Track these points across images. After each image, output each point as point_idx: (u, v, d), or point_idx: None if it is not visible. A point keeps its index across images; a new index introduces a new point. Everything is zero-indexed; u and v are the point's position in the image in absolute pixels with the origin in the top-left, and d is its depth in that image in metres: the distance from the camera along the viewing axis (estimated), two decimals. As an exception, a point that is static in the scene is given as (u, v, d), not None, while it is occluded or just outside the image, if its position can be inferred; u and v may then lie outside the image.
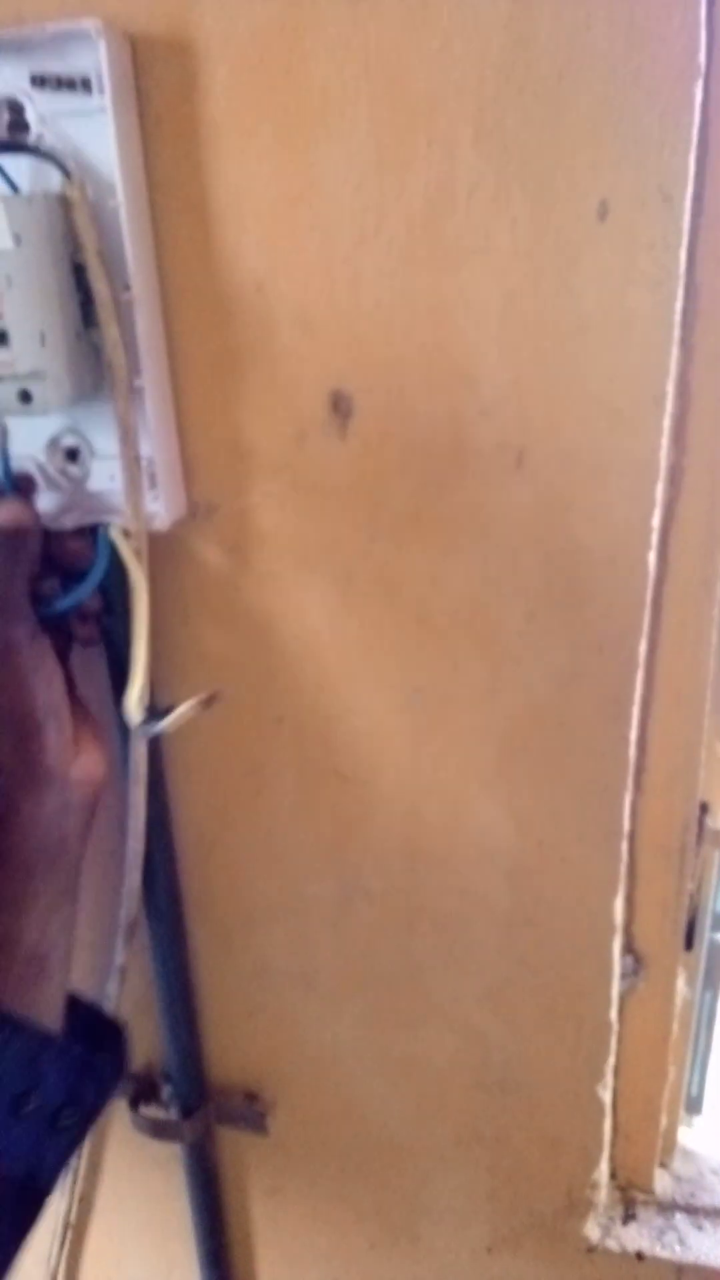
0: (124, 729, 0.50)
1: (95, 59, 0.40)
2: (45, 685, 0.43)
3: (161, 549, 0.48)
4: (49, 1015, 0.44)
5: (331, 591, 0.48)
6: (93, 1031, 0.47)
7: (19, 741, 0.43)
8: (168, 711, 0.45)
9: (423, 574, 0.47)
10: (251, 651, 0.51)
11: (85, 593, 0.44)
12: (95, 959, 0.57)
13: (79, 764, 0.44)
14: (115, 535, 0.45)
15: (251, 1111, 0.63)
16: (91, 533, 0.46)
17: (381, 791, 0.52)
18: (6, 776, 0.43)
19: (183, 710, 0.44)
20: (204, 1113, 0.62)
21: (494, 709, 0.48)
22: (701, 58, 0.37)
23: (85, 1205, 0.70)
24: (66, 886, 0.45)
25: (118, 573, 0.46)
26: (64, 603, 0.44)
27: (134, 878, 0.53)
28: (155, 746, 0.52)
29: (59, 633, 0.45)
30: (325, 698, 0.51)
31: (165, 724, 0.44)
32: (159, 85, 0.42)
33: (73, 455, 0.46)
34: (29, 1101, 0.42)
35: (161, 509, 0.46)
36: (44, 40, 0.40)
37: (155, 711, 0.45)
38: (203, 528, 0.49)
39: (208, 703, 0.45)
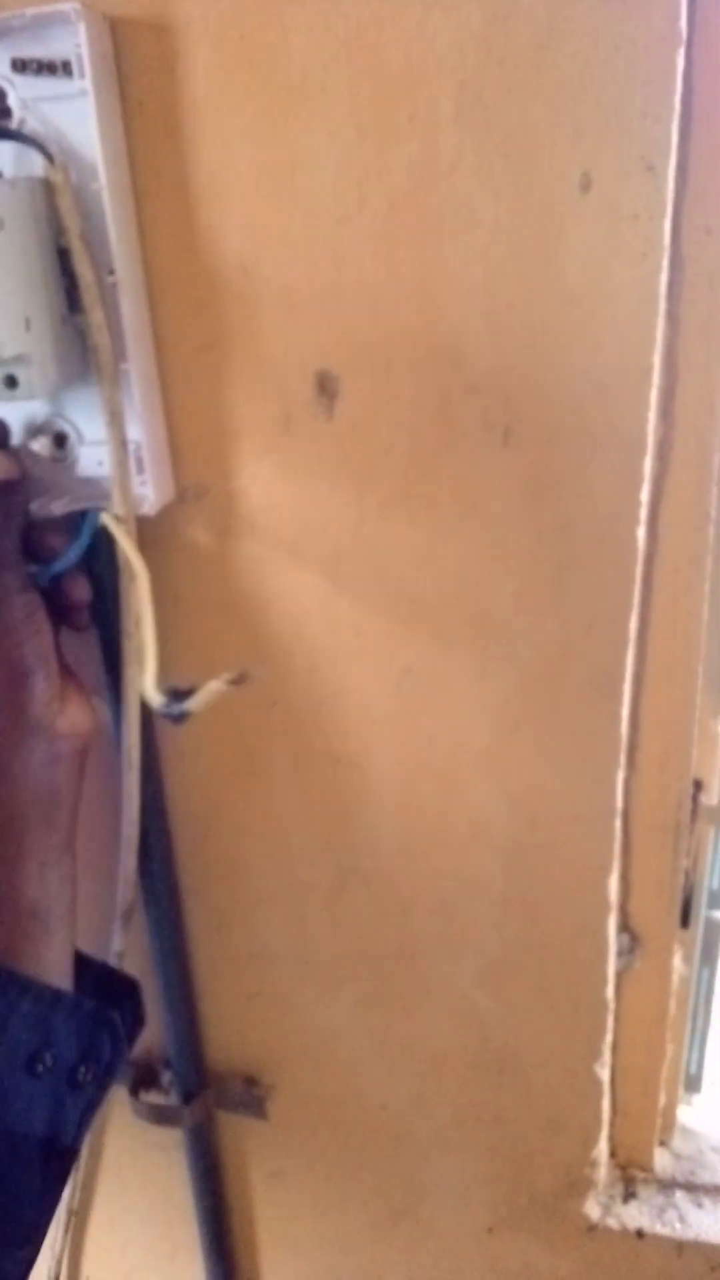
0: (115, 717, 0.50)
1: (75, 42, 0.40)
2: (34, 635, 0.43)
3: (150, 533, 0.48)
4: (56, 973, 0.44)
5: (321, 572, 0.48)
6: (106, 989, 0.47)
7: (8, 690, 0.43)
8: (189, 692, 0.43)
9: (411, 553, 0.47)
10: (242, 634, 0.51)
11: (73, 557, 0.44)
12: (92, 944, 0.57)
13: (65, 716, 0.44)
14: (109, 521, 0.45)
15: (251, 1096, 0.63)
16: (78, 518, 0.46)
17: (374, 773, 0.52)
18: None
19: (211, 688, 0.41)
20: (204, 1098, 0.63)
21: (485, 688, 0.48)
22: (683, 25, 0.37)
23: (88, 1191, 0.71)
24: (61, 841, 0.45)
25: (110, 557, 0.46)
26: (54, 568, 0.45)
27: (129, 862, 0.53)
28: (149, 731, 0.52)
29: (49, 608, 0.45)
30: (317, 680, 0.51)
31: (193, 704, 0.41)
32: (140, 67, 0.42)
33: (60, 441, 0.47)
34: (44, 1060, 0.42)
35: (150, 493, 0.46)
36: (24, 24, 0.40)
37: (177, 693, 0.43)
38: (191, 511, 0.49)
39: (237, 681, 0.41)
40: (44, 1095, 0.42)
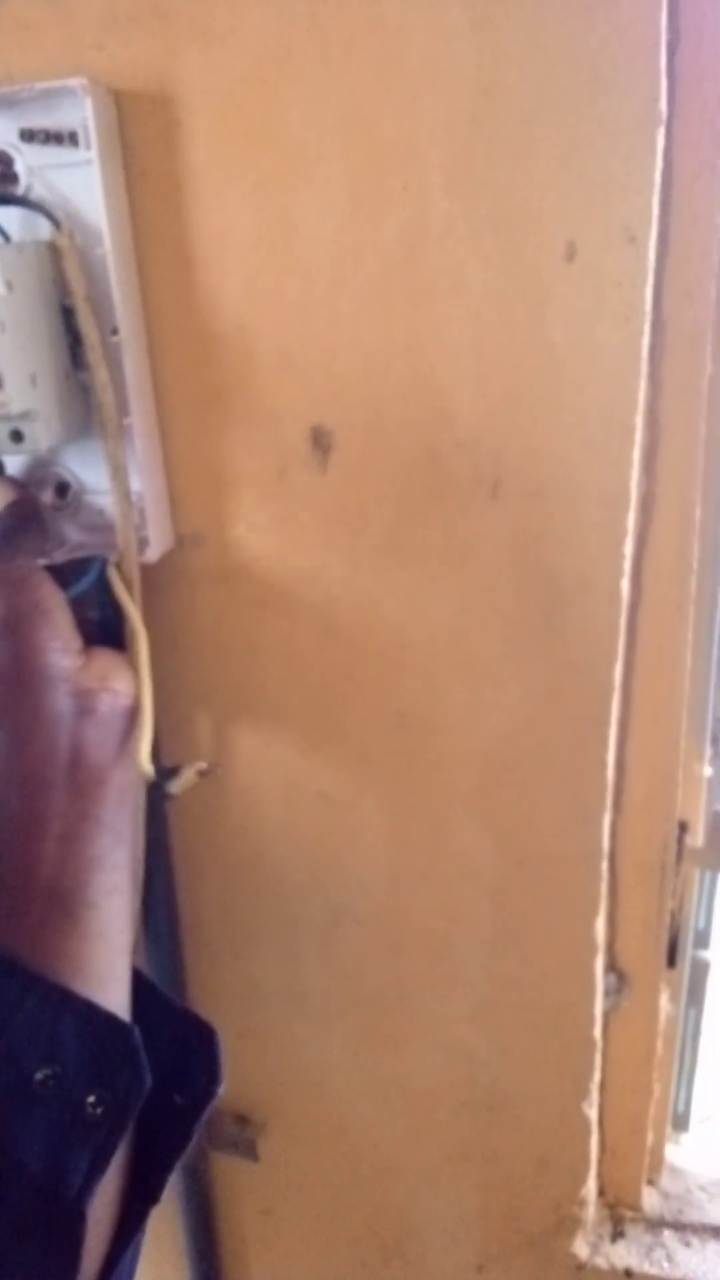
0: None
1: (82, 114, 0.41)
2: (25, 589, 0.41)
3: (149, 579, 0.49)
4: (84, 978, 0.36)
5: (315, 619, 0.49)
6: (183, 1039, 0.40)
7: (8, 634, 0.40)
8: (173, 771, 0.44)
9: (403, 601, 0.48)
10: (238, 679, 0.52)
11: (72, 593, 0.44)
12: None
13: (90, 671, 0.41)
14: (114, 577, 0.46)
15: (242, 1137, 0.63)
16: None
17: (366, 813, 0.53)
18: None
19: (187, 776, 0.44)
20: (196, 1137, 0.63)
21: (475, 732, 0.49)
22: (663, 105, 0.39)
23: (80, 1229, 0.70)
24: (87, 812, 0.39)
25: (116, 604, 0.47)
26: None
27: (135, 900, 0.54)
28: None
29: None
30: (310, 722, 0.52)
31: (173, 787, 0.44)
32: (143, 137, 0.44)
33: (61, 491, 0.48)
34: (46, 1077, 0.34)
35: (151, 541, 0.47)
36: (32, 97, 0.42)
37: (161, 770, 0.44)
38: (189, 558, 0.50)
39: (205, 773, 0.45)
40: (43, 1120, 0.34)
